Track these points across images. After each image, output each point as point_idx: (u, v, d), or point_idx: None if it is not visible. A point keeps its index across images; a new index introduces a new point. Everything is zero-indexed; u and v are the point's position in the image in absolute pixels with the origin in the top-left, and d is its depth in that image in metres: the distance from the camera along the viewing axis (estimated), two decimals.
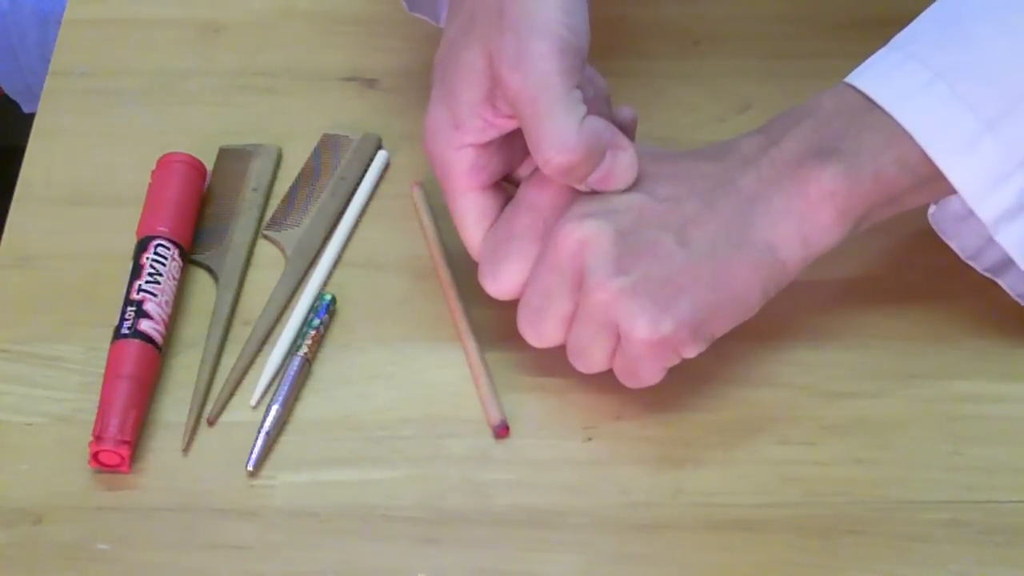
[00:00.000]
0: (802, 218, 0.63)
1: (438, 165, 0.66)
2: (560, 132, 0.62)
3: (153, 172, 0.74)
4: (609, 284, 0.62)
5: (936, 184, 0.63)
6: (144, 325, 0.68)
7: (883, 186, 0.63)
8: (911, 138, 0.62)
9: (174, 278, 0.70)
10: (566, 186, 0.64)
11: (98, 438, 0.65)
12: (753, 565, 0.63)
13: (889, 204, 0.64)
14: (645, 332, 0.62)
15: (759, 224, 0.63)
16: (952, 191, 0.63)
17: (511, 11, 0.62)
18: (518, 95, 0.62)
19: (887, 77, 0.64)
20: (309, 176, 0.76)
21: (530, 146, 0.63)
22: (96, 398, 0.66)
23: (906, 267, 0.72)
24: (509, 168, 0.67)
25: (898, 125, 0.63)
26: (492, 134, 0.65)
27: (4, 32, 1.12)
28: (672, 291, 0.62)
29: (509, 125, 0.65)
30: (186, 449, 0.67)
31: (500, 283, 0.65)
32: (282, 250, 0.73)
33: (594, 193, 0.64)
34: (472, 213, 0.66)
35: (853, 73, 0.65)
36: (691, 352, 0.63)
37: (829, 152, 0.63)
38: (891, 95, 0.63)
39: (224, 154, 0.77)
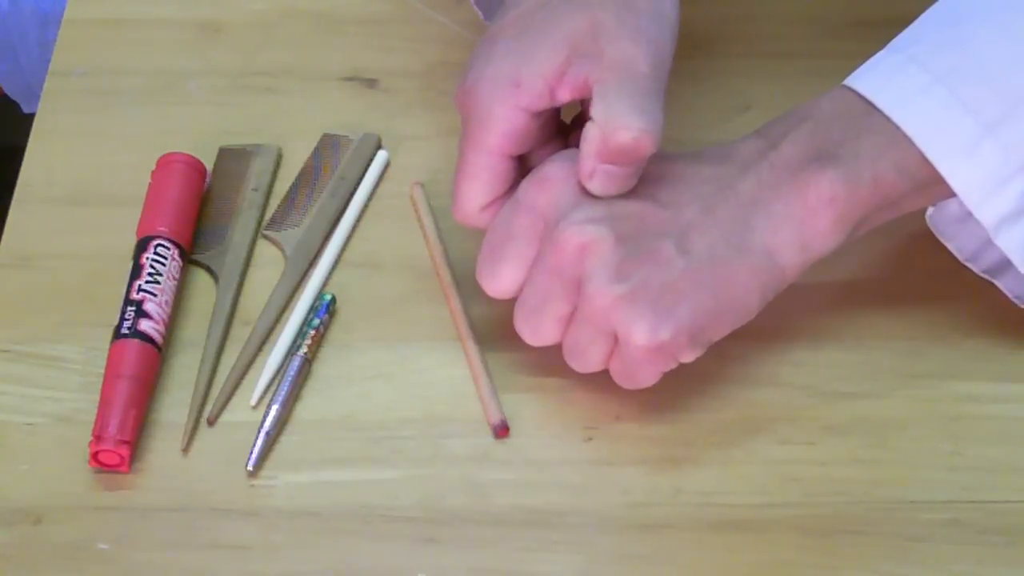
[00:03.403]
0: (801, 224, 0.63)
1: (479, 115, 0.65)
2: (657, 116, 0.63)
3: (153, 172, 0.74)
4: (608, 290, 0.62)
5: (935, 188, 0.63)
6: (144, 325, 0.68)
7: (882, 190, 0.63)
8: (911, 142, 0.62)
9: (174, 278, 0.70)
10: (567, 188, 0.64)
11: (98, 438, 0.65)
12: (753, 565, 0.63)
13: (888, 208, 0.64)
14: (644, 339, 0.62)
15: (759, 229, 0.63)
16: (951, 195, 0.63)
17: None
18: (630, 65, 0.63)
19: (887, 80, 0.63)
20: (309, 176, 0.76)
21: (617, 111, 0.62)
22: (96, 398, 0.66)
23: (906, 268, 0.72)
24: (533, 149, 0.67)
25: (898, 129, 0.63)
26: (545, 103, 0.65)
27: (4, 32, 1.12)
28: (671, 298, 0.62)
29: (565, 99, 0.64)
30: (186, 449, 0.67)
31: (498, 283, 0.65)
32: (282, 250, 0.73)
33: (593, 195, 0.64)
34: (487, 175, 0.66)
35: (852, 75, 0.65)
36: (689, 357, 0.63)
37: (828, 157, 0.63)
38: (891, 98, 0.63)
39: (224, 154, 0.77)
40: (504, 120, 0.65)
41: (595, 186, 0.63)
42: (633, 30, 0.64)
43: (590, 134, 0.63)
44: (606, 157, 0.63)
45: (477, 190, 0.66)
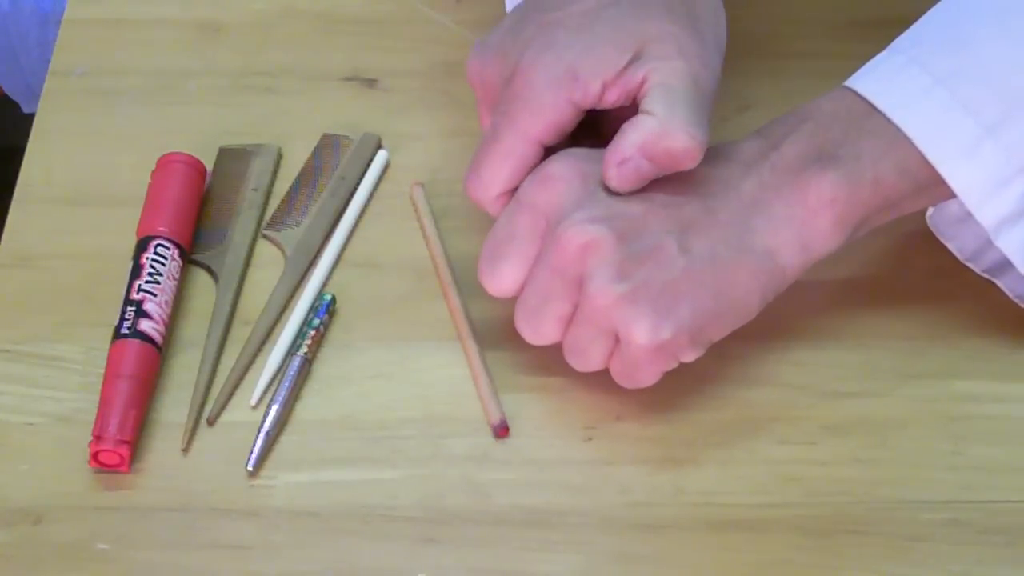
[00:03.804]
0: (802, 224, 0.63)
1: (526, 100, 0.65)
2: (704, 128, 0.63)
3: (153, 172, 0.74)
4: (610, 289, 0.62)
5: (936, 189, 0.63)
6: (144, 325, 0.68)
7: (882, 192, 0.63)
8: (911, 144, 0.62)
9: (174, 278, 0.70)
10: (568, 187, 0.64)
11: (98, 438, 0.65)
12: (753, 565, 0.63)
13: (888, 209, 0.64)
14: (645, 338, 0.62)
15: (759, 230, 0.63)
16: (952, 196, 0.63)
17: (701, 11, 0.65)
18: (698, 82, 0.63)
19: (888, 81, 0.64)
20: (309, 176, 0.76)
21: (682, 117, 0.62)
22: (96, 398, 0.66)
23: (906, 267, 0.72)
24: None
25: (898, 130, 0.63)
26: (593, 102, 0.64)
27: (4, 32, 1.12)
28: (672, 297, 0.62)
29: (609, 102, 0.64)
30: (186, 449, 0.67)
31: (499, 281, 0.65)
32: (282, 250, 0.73)
33: (596, 194, 0.64)
34: (518, 161, 0.65)
35: (853, 76, 0.65)
36: (690, 357, 0.63)
37: (829, 158, 0.63)
38: (892, 100, 0.63)
39: (224, 154, 0.77)
40: (554, 109, 0.64)
41: (618, 174, 0.63)
42: (702, 52, 0.64)
43: (646, 126, 0.62)
44: (650, 153, 0.63)
45: (504, 174, 0.65)
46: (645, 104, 0.63)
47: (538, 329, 0.64)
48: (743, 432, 0.67)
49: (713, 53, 0.65)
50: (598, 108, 0.65)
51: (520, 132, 0.65)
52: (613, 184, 0.63)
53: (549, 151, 0.66)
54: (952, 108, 0.62)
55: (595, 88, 0.64)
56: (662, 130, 0.62)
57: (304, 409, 0.68)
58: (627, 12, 0.65)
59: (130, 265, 0.70)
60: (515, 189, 0.66)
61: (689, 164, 0.63)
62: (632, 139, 0.63)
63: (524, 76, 0.65)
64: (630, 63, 0.64)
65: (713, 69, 0.65)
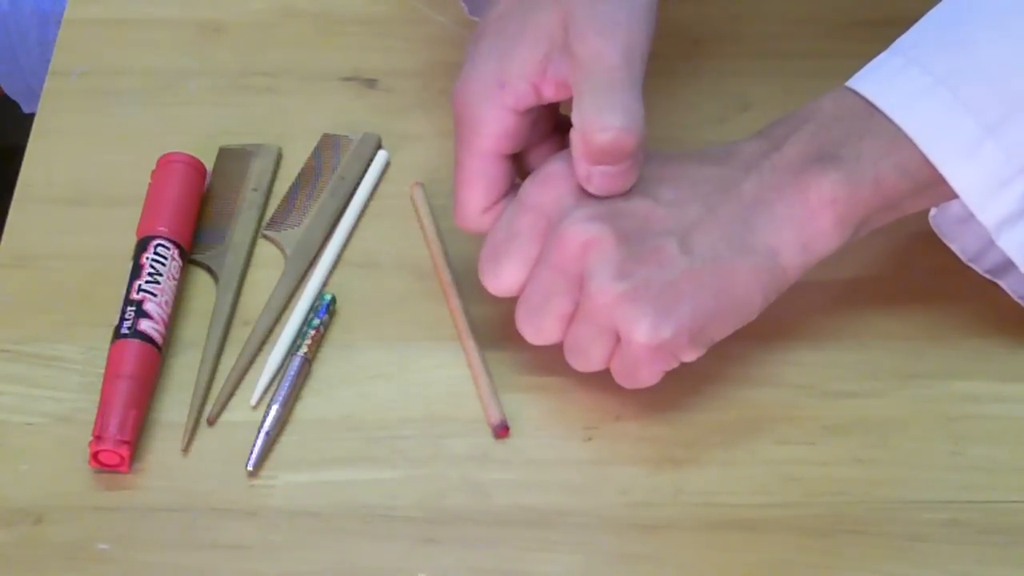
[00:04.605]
0: (803, 224, 0.63)
1: (468, 121, 0.65)
2: (633, 108, 0.62)
3: (153, 172, 0.74)
4: (611, 288, 0.62)
5: (937, 189, 0.63)
6: (144, 325, 0.68)
7: (883, 192, 0.63)
8: (912, 143, 0.62)
9: (174, 278, 0.70)
10: (569, 186, 0.64)
11: (98, 438, 0.65)
12: (753, 565, 0.63)
13: (889, 209, 0.64)
14: (645, 337, 0.62)
15: (760, 230, 0.63)
16: (952, 196, 0.63)
17: None
18: (598, 60, 0.62)
19: (888, 81, 0.64)
20: (309, 176, 0.76)
21: (591, 112, 0.62)
22: (96, 398, 0.66)
23: (906, 267, 0.72)
24: (527, 145, 0.67)
25: (899, 130, 0.63)
26: (531, 102, 0.64)
27: (4, 32, 1.12)
28: (673, 296, 0.62)
29: (550, 96, 0.64)
30: (186, 449, 0.67)
31: (501, 281, 0.65)
32: (282, 250, 0.73)
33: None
34: (483, 179, 0.65)
35: (854, 77, 0.65)
36: (690, 357, 0.63)
37: (830, 158, 0.63)
38: (892, 100, 0.63)
39: (224, 154, 0.77)
40: (493, 122, 0.65)
41: (594, 188, 0.63)
42: (602, 21, 0.63)
43: (573, 138, 0.63)
44: (592, 159, 0.63)
45: (476, 195, 0.66)
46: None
47: (539, 328, 0.64)
48: (743, 432, 0.67)
49: (618, 10, 0.63)
50: (546, 104, 0.65)
51: (473, 152, 0.65)
52: (601, 195, 0.63)
53: (547, 150, 0.66)
54: (953, 108, 0.62)
55: (524, 89, 0.64)
56: (583, 137, 0.62)
57: (304, 409, 0.68)
58: (534, 5, 0.64)
59: (130, 265, 0.70)
60: (497, 205, 0.66)
61: (628, 148, 0.62)
62: (575, 155, 0.63)
63: (459, 97, 0.65)
64: (549, 56, 0.63)
65: (621, 28, 0.63)
